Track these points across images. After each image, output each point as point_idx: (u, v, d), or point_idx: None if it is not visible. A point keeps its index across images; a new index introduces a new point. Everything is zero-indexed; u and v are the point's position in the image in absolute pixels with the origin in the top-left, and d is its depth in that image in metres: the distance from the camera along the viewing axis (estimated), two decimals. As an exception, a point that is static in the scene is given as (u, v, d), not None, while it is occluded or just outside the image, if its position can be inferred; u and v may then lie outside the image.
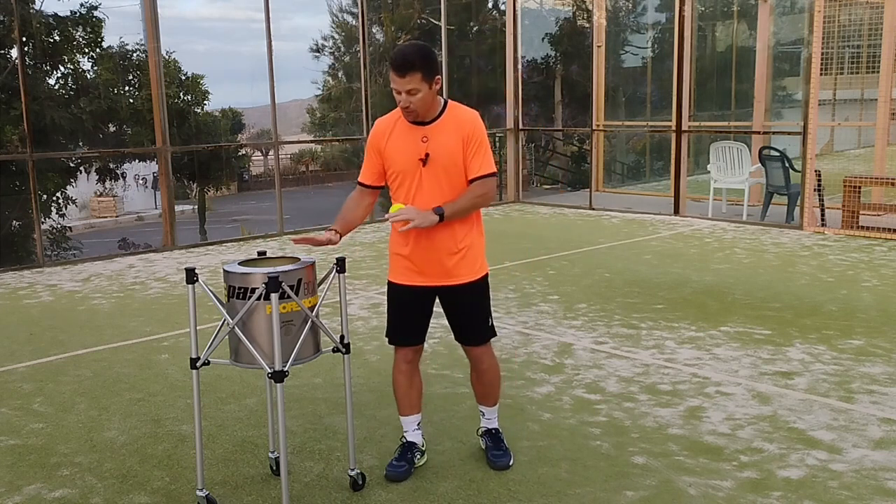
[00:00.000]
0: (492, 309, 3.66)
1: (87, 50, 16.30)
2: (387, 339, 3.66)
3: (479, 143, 3.40)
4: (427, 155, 3.35)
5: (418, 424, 3.70)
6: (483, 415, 3.79)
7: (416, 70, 3.23)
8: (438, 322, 3.79)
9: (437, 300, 3.59)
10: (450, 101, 3.48)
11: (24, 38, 14.03)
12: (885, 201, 9.94)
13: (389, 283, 3.60)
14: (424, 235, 3.40)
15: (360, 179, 3.53)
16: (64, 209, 16.14)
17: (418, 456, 3.65)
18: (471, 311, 3.57)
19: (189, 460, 3.78)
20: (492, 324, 3.64)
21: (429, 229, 3.35)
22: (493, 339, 3.68)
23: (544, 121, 20.27)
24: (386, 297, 3.64)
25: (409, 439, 3.67)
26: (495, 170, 3.47)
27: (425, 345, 3.75)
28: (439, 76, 3.33)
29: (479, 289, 3.56)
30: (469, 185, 3.41)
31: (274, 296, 2.96)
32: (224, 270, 3.15)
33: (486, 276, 3.59)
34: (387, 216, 3.30)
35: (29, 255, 13.72)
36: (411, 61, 3.25)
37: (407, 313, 3.57)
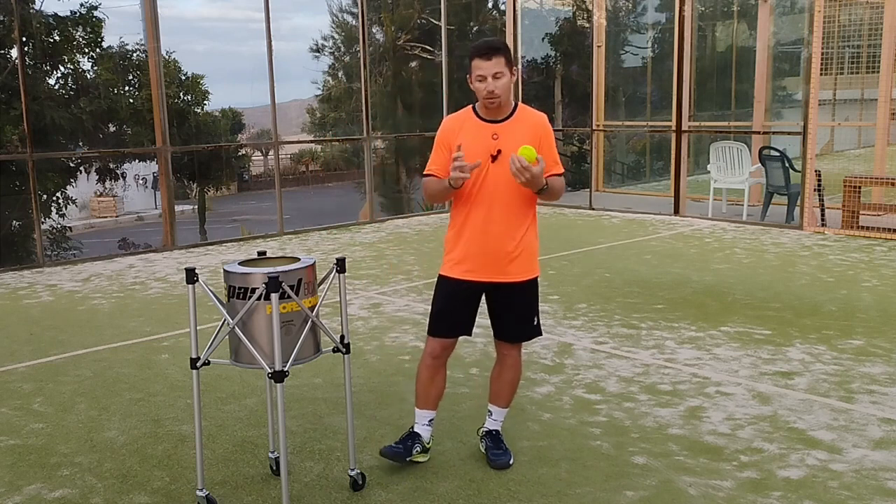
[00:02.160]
0: (539, 308, 3.71)
1: (87, 50, 16.30)
2: (429, 334, 3.67)
3: (552, 143, 3.56)
4: (499, 151, 3.43)
5: (430, 421, 3.71)
6: (490, 414, 3.79)
7: (500, 54, 3.37)
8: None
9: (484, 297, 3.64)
10: (519, 102, 3.58)
11: (24, 38, 14.03)
12: (885, 201, 9.94)
13: (441, 277, 3.62)
14: (487, 233, 3.46)
15: (430, 171, 3.54)
16: (64, 209, 16.14)
17: (418, 448, 3.65)
18: (520, 309, 3.62)
19: (189, 460, 3.78)
20: (538, 323, 3.70)
21: (492, 227, 3.44)
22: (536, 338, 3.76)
23: (544, 121, 20.25)
24: (434, 290, 3.66)
25: (416, 430, 3.69)
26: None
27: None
28: (516, 68, 3.46)
29: (532, 288, 3.62)
30: (548, 180, 3.49)
31: (274, 296, 2.96)
32: (224, 270, 3.15)
33: (538, 277, 3.64)
34: (521, 161, 3.26)
35: (29, 255, 13.72)
36: (496, 46, 3.40)
37: (452, 307, 3.60)
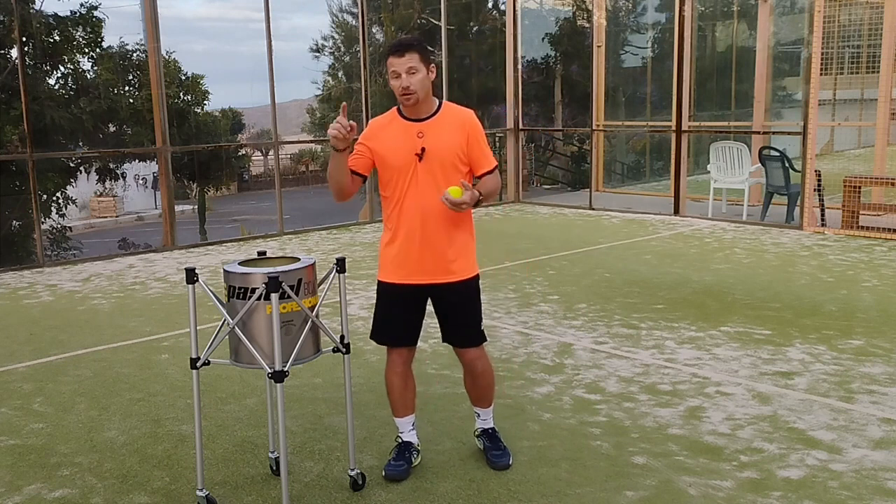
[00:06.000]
0: (482, 314, 3.66)
1: (87, 50, 16.29)
2: (374, 341, 3.65)
3: (481, 139, 3.51)
4: (423, 150, 3.39)
5: (413, 424, 3.70)
6: (478, 416, 3.79)
7: (413, 50, 3.34)
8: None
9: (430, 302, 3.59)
10: (444, 100, 3.54)
11: (24, 38, 14.02)
12: (885, 201, 9.94)
13: (381, 283, 3.58)
14: (421, 233, 3.42)
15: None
16: (64, 209, 16.13)
17: (415, 455, 3.66)
18: (465, 310, 3.57)
19: (189, 460, 3.78)
20: (482, 329, 3.64)
21: (426, 227, 3.41)
22: (486, 342, 3.68)
23: (544, 121, 20.27)
24: (376, 298, 3.63)
25: (405, 439, 3.68)
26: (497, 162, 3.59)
27: (425, 345, 3.74)
28: (434, 66, 3.42)
29: (473, 288, 3.57)
30: (482, 179, 3.47)
31: (274, 296, 2.96)
32: (224, 270, 3.15)
33: (478, 276, 3.60)
34: (450, 198, 3.27)
35: (29, 255, 13.72)
36: (408, 42, 3.38)
37: (402, 313, 3.56)
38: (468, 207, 3.35)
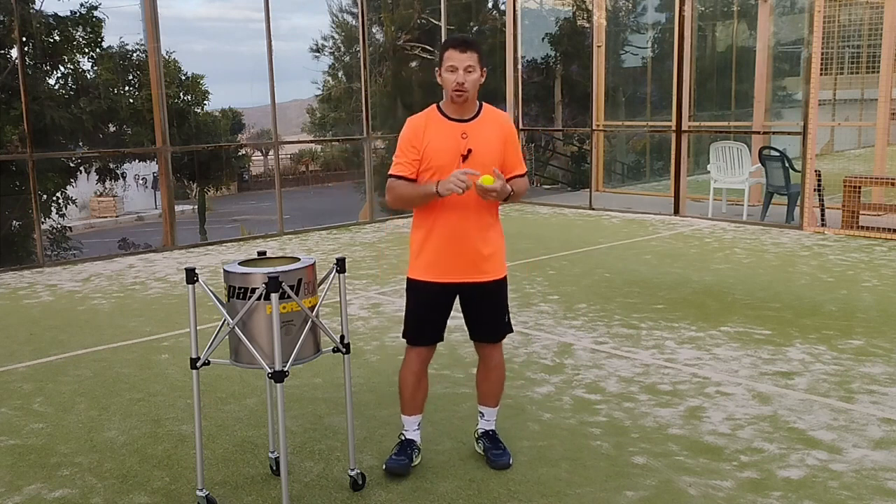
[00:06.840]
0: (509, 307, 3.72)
1: (87, 50, 16.31)
2: (406, 339, 3.66)
3: (516, 143, 3.60)
4: (469, 151, 3.42)
5: (418, 424, 3.71)
6: (482, 416, 3.79)
7: (474, 49, 3.41)
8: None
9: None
10: (483, 102, 3.57)
11: (24, 38, 14.03)
12: (885, 201, 9.94)
13: (411, 281, 3.59)
14: (458, 233, 3.45)
15: (400, 173, 3.44)
16: (64, 209, 16.15)
17: (416, 453, 3.66)
18: (494, 308, 3.62)
19: (189, 460, 3.78)
20: (509, 320, 3.70)
21: (463, 227, 3.45)
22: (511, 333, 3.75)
23: (544, 121, 20.27)
24: (406, 295, 3.65)
25: (408, 437, 3.69)
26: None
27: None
28: (485, 70, 3.48)
29: (503, 286, 3.63)
30: (511, 181, 3.49)
31: (274, 296, 2.96)
32: (224, 270, 3.15)
33: (507, 276, 3.66)
34: (481, 185, 3.30)
35: (29, 255, 13.73)
36: (471, 41, 3.45)
37: (430, 311, 3.58)
38: (497, 197, 3.38)
